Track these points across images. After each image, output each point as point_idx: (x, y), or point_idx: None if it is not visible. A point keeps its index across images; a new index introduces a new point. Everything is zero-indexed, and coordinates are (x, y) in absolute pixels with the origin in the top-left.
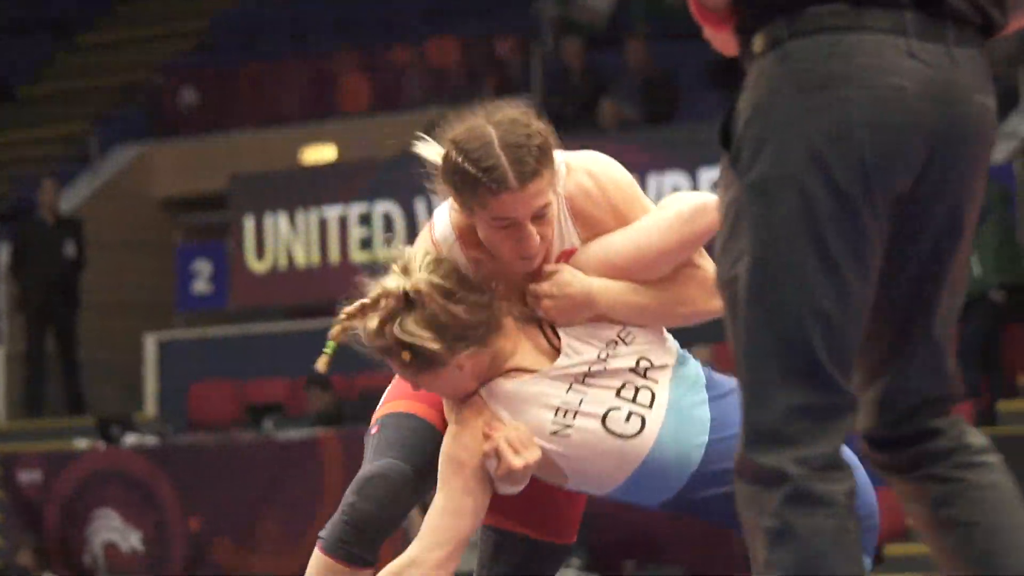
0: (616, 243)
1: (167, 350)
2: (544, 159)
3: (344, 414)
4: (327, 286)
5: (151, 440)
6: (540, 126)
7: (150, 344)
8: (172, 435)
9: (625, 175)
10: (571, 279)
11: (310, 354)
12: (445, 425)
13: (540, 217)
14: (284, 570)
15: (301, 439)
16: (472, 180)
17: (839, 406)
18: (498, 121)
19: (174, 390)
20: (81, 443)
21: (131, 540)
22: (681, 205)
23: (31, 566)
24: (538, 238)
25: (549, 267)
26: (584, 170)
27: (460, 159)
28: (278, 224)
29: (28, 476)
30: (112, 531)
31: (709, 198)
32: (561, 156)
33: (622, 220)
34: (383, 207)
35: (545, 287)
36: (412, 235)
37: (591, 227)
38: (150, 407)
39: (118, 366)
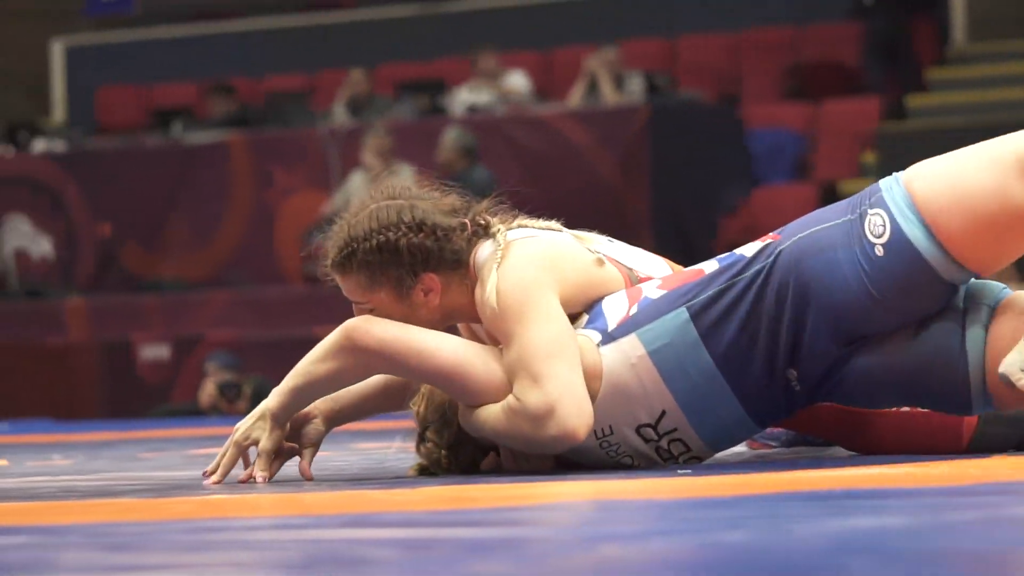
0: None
1: (74, 55)
2: (353, 266)
3: (250, 118)
4: None
5: (59, 146)
6: (387, 239)
7: (56, 49)
8: (80, 140)
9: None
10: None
11: (216, 57)
12: None
13: (361, 307)
14: (192, 274)
15: (209, 142)
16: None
17: None
18: (380, 206)
19: (81, 95)
20: None
21: (42, 246)
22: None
23: None
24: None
25: None
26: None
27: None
28: None
29: None
30: (22, 237)
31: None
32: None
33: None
34: None
35: None
36: None
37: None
38: (58, 113)
39: (24, 72)
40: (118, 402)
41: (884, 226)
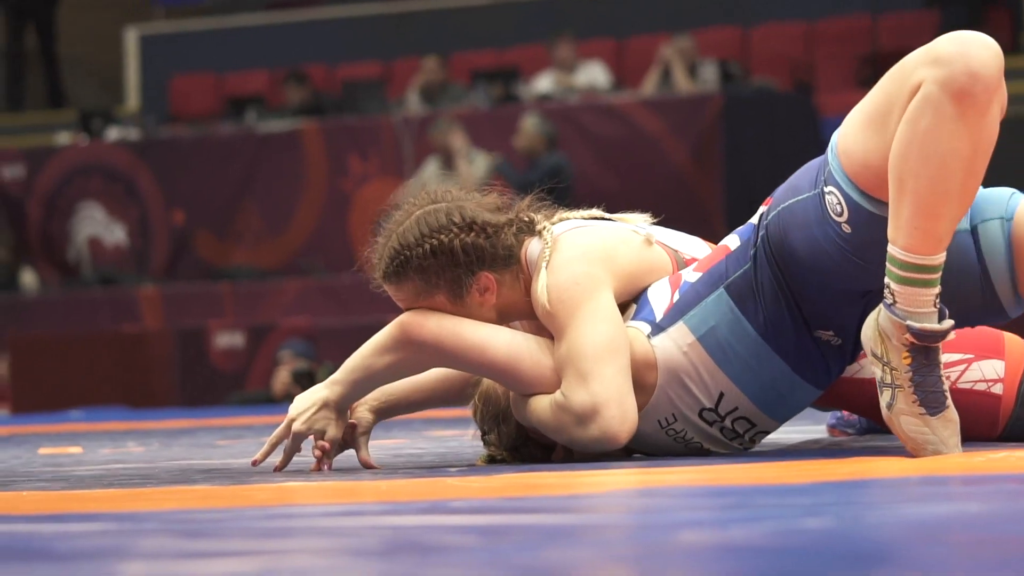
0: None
1: (147, 44)
2: (407, 274)
3: (324, 105)
4: None
5: (133, 134)
6: (439, 243)
7: (130, 38)
8: (154, 128)
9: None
10: None
11: (290, 45)
12: None
13: None
14: (266, 262)
15: (282, 131)
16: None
17: None
18: (426, 211)
19: (155, 84)
20: (63, 137)
21: (115, 234)
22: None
23: (9, 261)
24: None
25: None
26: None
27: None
28: None
29: (10, 172)
30: (96, 225)
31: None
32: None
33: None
34: None
35: None
36: None
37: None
38: (131, 101)
39: (98, 61)
40: (192, 390)
41: (840, 204)
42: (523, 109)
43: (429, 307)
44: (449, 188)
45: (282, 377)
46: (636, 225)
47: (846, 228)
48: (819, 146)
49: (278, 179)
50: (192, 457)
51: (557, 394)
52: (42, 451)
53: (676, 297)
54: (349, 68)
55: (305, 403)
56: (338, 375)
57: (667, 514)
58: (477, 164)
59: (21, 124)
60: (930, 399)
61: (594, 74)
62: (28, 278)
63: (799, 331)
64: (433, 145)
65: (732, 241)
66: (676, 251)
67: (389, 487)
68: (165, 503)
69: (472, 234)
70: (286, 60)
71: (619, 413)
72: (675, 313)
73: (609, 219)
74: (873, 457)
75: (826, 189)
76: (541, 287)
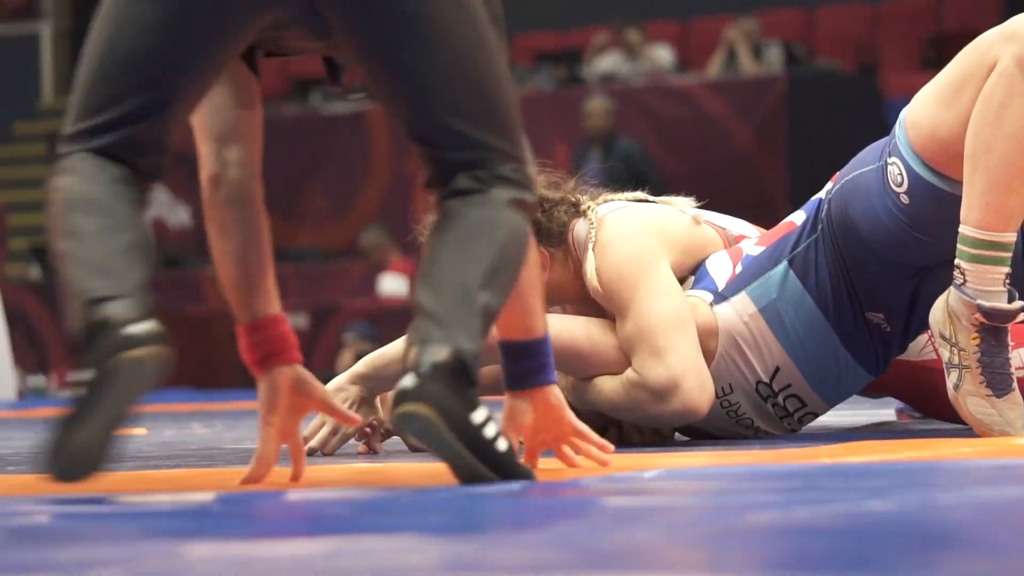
0: None
1: None
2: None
3: None
4: None
5: None
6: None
7: None
8: None
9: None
10: None
11: None
12: None
13: None
14: (330, 244)
15: (348, 112)
16: None
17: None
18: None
19: None
20: None
21: (179, 216)
22: None
23: None
24: None
25: None
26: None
27: None
28: None
29: None
30: (160, 207)
31: None
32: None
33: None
34: None
35: None
36: None
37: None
38: None
39: None
40: None
41: (901, 175)
42: (587, 91)
43: None
44: None
45: (347, 360)
46: (680, 207)
47: (904, 199)
48: (883, 128)
49: (342, 161)
50: (256, 439)
51: (629, 372)
52: None
53: (739, 268)
54: None
55: (345, 395)
56: (362, 368)
57: (733, 496)
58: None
59: None
60: (997, 380)
61: (660, 56)
62: None
63: (854, 310)
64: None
65: (798, 217)
66: (724, 228)
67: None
68: (230, 484)
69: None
70: None
71: (697, 384)
72: (738, 283)
73: (653, 201)
74: (939, 439)
75: (889, 160)
76: (591, 268)
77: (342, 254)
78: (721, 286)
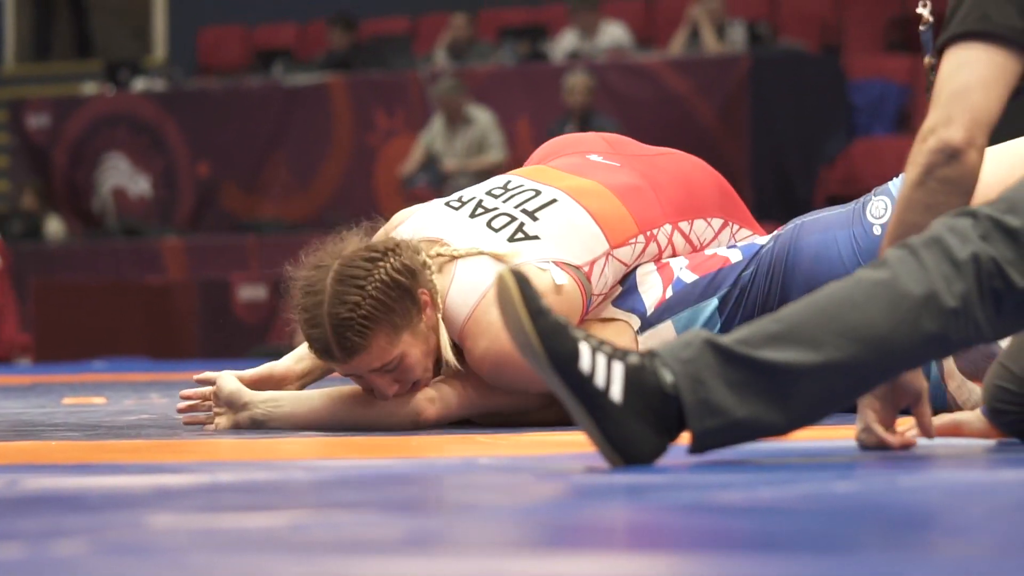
0: None
1: None
2: (372, 330)
3: (351, 60)
4: None
5: (159, 85)
6: (378, 282)
7: None
8: (181, 80)
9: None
10: None
11: None
12: None
13: (388, 371)
14: (290, 215)
15: (310, 84)
16: (308, 339)
17: None
18: (336, 274)
19: (183, 35)
20: (90, 87)
21: (140, 185)
22: None
23: (35, 209)
24: (388, 388)
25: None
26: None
27: (297, 315)
28: None
29: (36, 120)
30: (121, 175)
31: None
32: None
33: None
34: None
35: None
36: None
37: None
38: (159, 52)
39: (126, 11)
40: (215, 342)
41: (886, 209)
42: (550, 68)
43: (402, 349)
44: (326, 250)
45: None
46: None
47: (876, 230)
48: (845, 108)
49: (305, 133)
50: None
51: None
52: (65, 401)
53: (669, 293)
54: (376, 23)
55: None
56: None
57: (697, 475)
58: (481, 120)
59: (48, 73)
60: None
61: (616, 34)
62: (53, 226)
63: None
64: (438, 104)
65: (734, 255)
66: (578, 268)
67: (419, 443)
68: (192, 455)
69: (390, 256)
70: (314, 13)
71: None
72: (664, 311)
73: (501, 256)
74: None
75: (875, 197)
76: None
77: (304, 226)
78: (649, 311)
